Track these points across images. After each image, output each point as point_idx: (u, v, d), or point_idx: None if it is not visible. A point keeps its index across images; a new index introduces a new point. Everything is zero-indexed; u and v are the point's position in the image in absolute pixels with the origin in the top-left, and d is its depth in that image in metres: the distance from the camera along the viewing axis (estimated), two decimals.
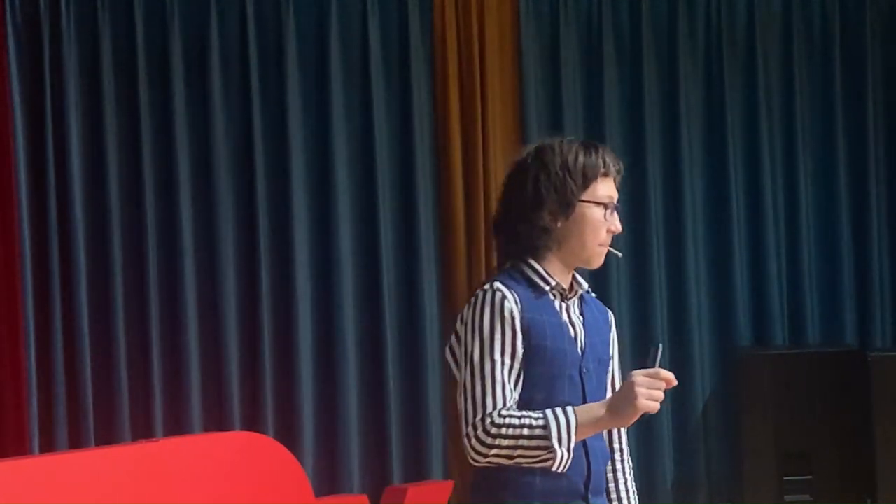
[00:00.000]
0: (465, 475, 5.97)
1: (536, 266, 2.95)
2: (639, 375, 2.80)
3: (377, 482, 6.24)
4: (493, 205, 6.38)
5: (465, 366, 2.84)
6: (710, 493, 6.58)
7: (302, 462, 5.66)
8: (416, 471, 6.33)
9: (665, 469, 6.55)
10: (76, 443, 6.05)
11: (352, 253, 6.37)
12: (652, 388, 2.79)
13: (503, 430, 2.78)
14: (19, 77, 6.10)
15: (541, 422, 2.79)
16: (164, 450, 4.93)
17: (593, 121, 6.57)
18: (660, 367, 2.82)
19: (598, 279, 6.51)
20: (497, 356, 2.82)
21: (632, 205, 6.58)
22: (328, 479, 6.26)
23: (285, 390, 6.29)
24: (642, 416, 2.82)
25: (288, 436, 6.13)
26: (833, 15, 6.67)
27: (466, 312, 2.91)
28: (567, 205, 2.92)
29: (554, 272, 2.96)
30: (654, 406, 2.80)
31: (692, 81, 6.64)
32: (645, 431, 6.55)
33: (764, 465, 6.26)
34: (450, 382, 5.90)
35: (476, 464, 2.84)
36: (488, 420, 2.78)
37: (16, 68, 6.08)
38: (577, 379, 2.94)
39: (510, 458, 2.80)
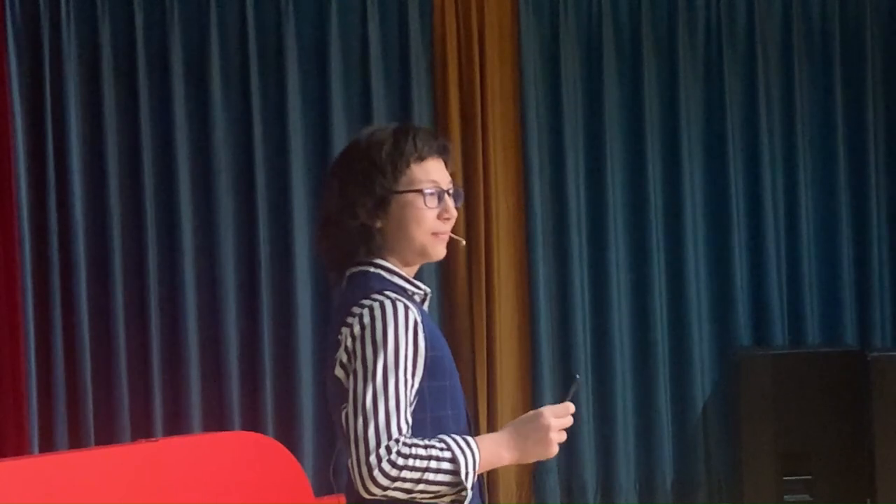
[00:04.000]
0: None
1: (395, 268, 2.69)
2: (552, 416, 2.59)
3: None
4: (494, 205, 6.44)
5: (366, 385, 2.51)
6: (710, 493, 6.58)
7: (302, 462, 5.66)
8: None
9: (665, 469, 6.55)
10: (76, 443, 6.05)
11: None
12: (562, 429, 2.59)
13: (409, 462, 2.48)
14: (19, 77, 6.10)
15: (447, 454, 2.51)
16: (164, 450, 4.93)
17: (593, 121, 6.57)
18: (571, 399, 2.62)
19: (598, 279, 6.52)
20: (402, 375, 2.52)
21: (632, 205, 6.59)
22: (328, 479, 6.25)
23: (285, 390, 6.29)
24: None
25: (288, 436, 6.13)
26: (833, 15, 6.67)
27: (361, 327, 2.56)
28: (381, 200, 2.66)
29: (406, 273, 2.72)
30: (556, 449, 2.61)
31: (692, 81, 6.64)
32: (645, 431, 6.56)
33: (764, 464, 6.26)
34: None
35: (369, 496, 2.51)
36: (395, 448, 2.47)
37: (16, 68, 6.08)
38: (461, 390, 2.72)
39: (410, 492, 2.50)
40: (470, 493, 2.53)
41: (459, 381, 2.72)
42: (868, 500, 6.22)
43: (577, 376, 2.74)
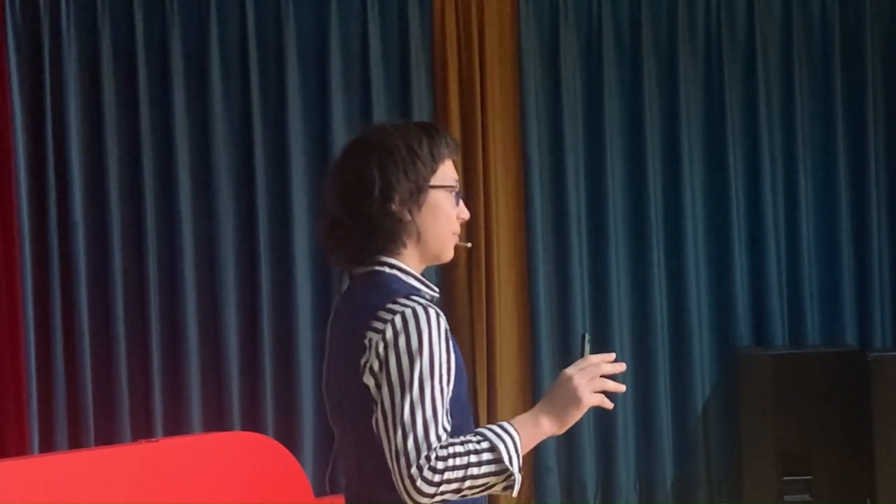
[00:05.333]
0: None
1: (409, 269, 2.63)
2: (571, 369, 2.54)
3: None
4: (494, 205, 6.44)
5: (403, 397, 2.45)
6: (710, 493, 6.58)
7: (302, 462, 5.65)
8: None
9: (665, 469, 6.55)
10: (76, 443, 6.05)
11: None
12: (592, 379, 2.54)
13: (450, 462, 2.43)
14: (19, 77, 6.10)
15: (485, 444, 2.46)
16: (164, 450, 4.93)
17: (593, 121, 6.57)
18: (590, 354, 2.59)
19: (598, 279, 6.52)
20: (437, 384, 2.46)
21: (632, 205, 6.59)
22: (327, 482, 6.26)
23: (285, 390, 6.29)
24: (598, 410, 2.57)
25: (288, 436, 6.13)
26: (833, 15, 6.67)
27: (394, 334, 2.48)
28: (419, 191, 2.60)
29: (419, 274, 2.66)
30: (601, 399, 2.55)
31: (692, 81, 6.64)
32: (645, 431, 6.56)
33: (764, 465, 6.26)
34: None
35: None
36: (433, 455, 2.42)
37: (16, 68, 6.09)
38: (468, 397, 2.68)
39: (458, 491, 2.46)
40: (519, 476, 2.49)
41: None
42: (868, 500, 6.22)
43: (584, 334, 2.71)
